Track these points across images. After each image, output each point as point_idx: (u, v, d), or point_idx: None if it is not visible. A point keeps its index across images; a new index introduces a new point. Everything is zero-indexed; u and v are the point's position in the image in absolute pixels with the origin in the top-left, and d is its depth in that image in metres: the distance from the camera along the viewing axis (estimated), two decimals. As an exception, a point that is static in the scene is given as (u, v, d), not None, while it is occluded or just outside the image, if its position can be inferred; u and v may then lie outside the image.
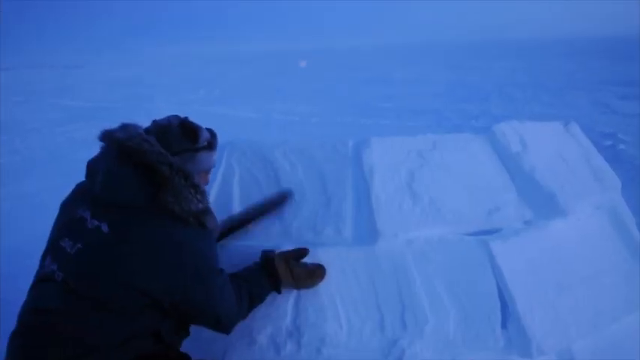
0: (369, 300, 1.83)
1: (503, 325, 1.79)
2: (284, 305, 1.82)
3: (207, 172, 1.68)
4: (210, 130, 1.67)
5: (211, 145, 1.64)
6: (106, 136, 1.51)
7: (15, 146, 6.69)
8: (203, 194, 1.50)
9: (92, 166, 1.54)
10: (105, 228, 1.39)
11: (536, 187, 2.06)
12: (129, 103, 11.04)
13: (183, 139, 1.53)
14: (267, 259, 1.75)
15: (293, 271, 1.78)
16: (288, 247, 1.90)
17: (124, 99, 11.39)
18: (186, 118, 1.61)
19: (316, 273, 1.83)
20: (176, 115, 1.61)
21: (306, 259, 1.85)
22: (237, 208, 2.08)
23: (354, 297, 1.84)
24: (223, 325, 1.60)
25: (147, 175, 1.41)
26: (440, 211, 1.95)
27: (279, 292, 1.76)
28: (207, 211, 1.51)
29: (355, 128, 9.07)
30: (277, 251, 1.80)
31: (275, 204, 2.00)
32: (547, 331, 1.77)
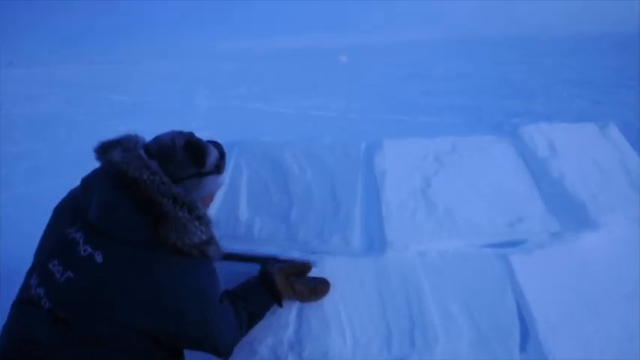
0: (375, 314, 1.71)
1: (522, 348, 1.64)
2: (286, 315, 1.73)
3: (212, 194, 1.57)
4: (218, 148, 1.54)
5: (219, 168, 1.51)
6: (103, 154, 1.40)
7: (60, 140, 6.86)
8: (208, 224, 1.38)
9: (86, 186, 1.43)
10: (99, 258, 1.29)
11: (565, 196, 1.88)
12: (171, 98, 11.22)
13: (189, 164, 1.40)
14: (266, 276, 1.65)
15: (294, 287, 1.68)
16: (293, 254, 1.80)
17: (167, 94, 11.60)
18: (191, 136, 1.46)
19: (318, 289, 1.72)
20: (180, 133, 1.47)
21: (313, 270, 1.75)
22: (244, 211, 1.99)
23: (360, 310, 1.72)
24: (222, 353, 1.51)
25: (146, 208, 1.30)
26: (456, 222, 1.81)
27: (280, 306, 1.67)
28: (210, 241, 1.40)
29: (393, 125, 8.91)
30: (277, 265, 1.69)
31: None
32: (571, 356, 1.61)
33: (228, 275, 1.73)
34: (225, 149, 2.12)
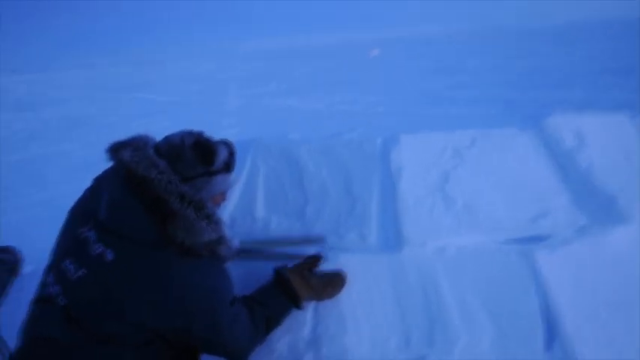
0: (393, 312, 1.67)
1: (547, 347, 1.57)
2: (303, 313, 1.70)
3: (223, 193, 1.56)
4: (228, 147, 1.52)
5: (229, 166, 1.49)
6: (114, 154, 1.41)
7: (92, 140, 7.02)
8: (217, 223, 1.37)
9: (98, 185, 1.47)
10: (109, 256, 1.31)
11: (593, 189, 1.80)
12: (202, 97, 11.30)
13: (198, 163, 1.40)
14: (281, 277, 1.62)
15: (310, 284, 1.64)
16: (309, 251, 1.78)
17: (197, 93, 11.68)
18: (200, 135, 1.46)
19: (335, 281, 1.68)
20: (190, 132, 1.46)
21: (328, 266, 1.72)
22: (260, 209, 1.98)
23: (377, 308, 1.68)
24: (236, 356, 1.50)
25: (155, 208, 1.30)
26: (476, 217, 1.75)
27: (299, 308, 1.62)
28: (221, 240, 1.39)
29: (423, 118, 8.75)
30: (290, 266, 1.67)
31: (303, 243, 1.83)
32: (598, 356, 1.53)
33: (241, 277, 1.73)
34: (242, 148, 2.13)
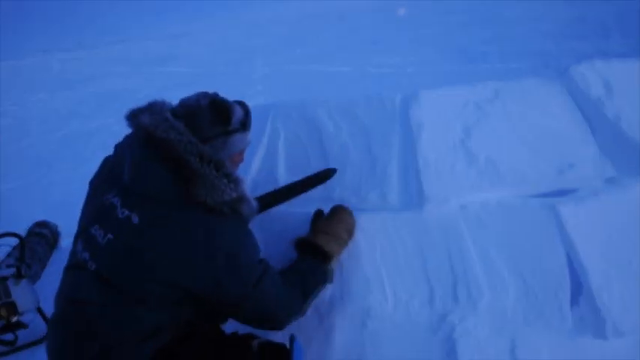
0: (416, 271, 1.67)
1: (574, 302, 1.55)
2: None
3: (241, 152, 1.57)
4: (243, 106, 1.53)
5: (245, 125, 1.50)
6: (133, 119, 1.43)
7: (125, 114, 7.13)
8: (237, 182, 1.38)
9: (119, 151, 1.50)
10: (135, 219, 1.34)
11: (622, 139, 1.73)
12: (229, 67, 11.31)
13: (215, 122, 1.42)
14: (297, 241, 1.66)
15: (319, 228, 1.66)
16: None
17: (224, 63, 11.69)
18: (216, 96, 1.48)
19: (339, 212, 1.71)
20: (205, 93, 1.48)
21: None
22: (282, 173, 1.98)
23: (401, 267, 1.69)
24: (270, 320, 1.49)
25: (175, 168, 1.32)
26: (499, 171, 1.71)
27: (328, 260, 1.62)
28: (242, 198, 1.39)
29: (453, 75, 8.55)
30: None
31: (318, 181, 1.85)
32: (627, 309, 1.52)
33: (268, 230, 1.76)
34: (262, 112, 2.12)
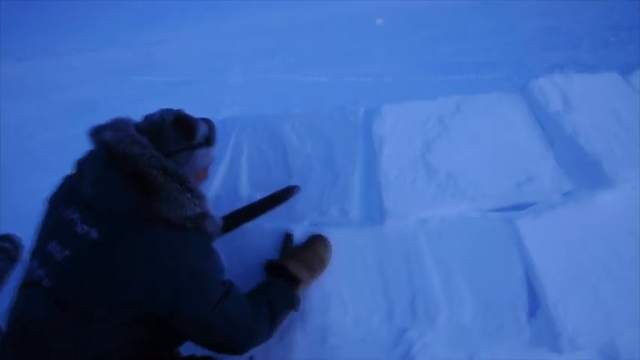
0: (376, 286, 1.67)
1: (531, 315, 1.56)
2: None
3: (205, 169, 1.55)
4: (207, 123, 1.52)
5: (209, 140, 1.49)
6: (95, 136, 1.40)
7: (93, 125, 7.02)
8: (201, 197, 1.36)
9: (81, 167, 1.46)
10: (94, 235, 1.30)
11: (579, 153, 1.74)
12: (205, 75, 11.27)
13: (179, 137, 1.40)
14: (268, 264, 1.64)
15: (294, 254, 1.65)
16: (291, 227, 1.77)
17: (201, 71, 11.65)
18: (180, 112, 1.46)
19: (315, 242, 1.69)
20: (169, 110, 1.47)
21: None
22: (245, 187, 1.97)
23: (361, 282, 1.69)
24: (231, 344, 1.43)
25: (138, 183, 1.29)
26: (459, 185, 1.71)
27: (297, 284, 1.60)
28: (206, 214, 1.37)
29: (429, 86, 8.64)
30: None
31: (281, 199, 1.82)
32: (584, 322, 1.52)
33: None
34: (226, 126, 2.11)
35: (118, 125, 1.41)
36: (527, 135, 1.83)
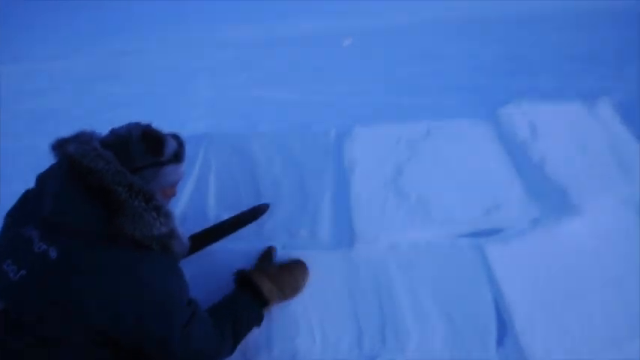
0: (345, 311, 1.64)
1: (499, 342, 1.55)
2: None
3: (173, 186, 1.49)
4: (176, 138, 1.47)
5: (178, 156, 1.44)
6: (58, 148, 1.34)
7: (57, 134, 6.83)
8: (167, 216, 1.30)
9: (40, 182, 1.38)
10: (53, 253, 1.22)
11: (546, 181, 1.77)
12: (170, 89, 11.10)
13: (146, 152, 1.34)
14: (239, 275, 1.59)
15: (269, 272, 1.59)
16: (260, 248, 1.73)
17: (166, 84, 11.44)
18: (148, 127, 1.41)
19: (293, 268, 1.65)
20: (137, 124, 1.41)
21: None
22: (212, 206, 1.92)
23: (330, 307, 1.65)
24: None
25: (101, 199, 1.23)
26: (429, 211, 1.71)
27: (264, 303, 1.56)
28: (172, 234, 1.31)
29: (394, 107, 8.74)
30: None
31: (251, 218, 1.79)
32: (552, 350, 1.53)
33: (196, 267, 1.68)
34: (194, 143, 2.06)
35: (82, 138, 1.35)
36: (495, 162, 1.85)
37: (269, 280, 1.58)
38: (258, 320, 1.54)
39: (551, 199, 1.75)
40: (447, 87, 10.00)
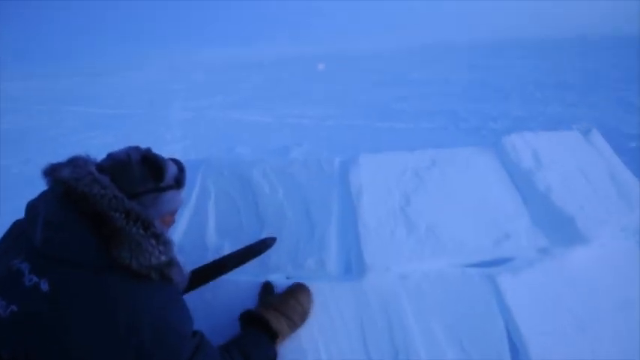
0: (355, 344, 1.58)
1: (514, 373, 1.53)
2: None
3: (172, 213, 1.43)
4: (177, 164, 1.42)
5: (179, 182, 1.38)
6: (51, 173, 1.26)
7: (30, 155, 6.64)
8: (167, 244, 1.23)
9: (32, 209, 1.28)
10: (44, 286, 1.13)
11: (553, 210, 1.78)
12: (148, 110, 11.02)
13: (146, 178, 1.28)
14: (244, 314, 1.52)
15: (272, 303, 1.53)
16: (262, 280, 1.68)
17: (144, 106, 11.39)
18: (148, 151, 1.35)
19: (295, 291, 1.59)
20: (136, 147, 1.35)
21: None
22: (212, 235, 1.85)
23: (339, 340, 1.59)
24: None
25: (97, 226, 1.16)
26: (439, 240, 1.69)
27: (273, 335, 1.48)
28: (171, 263, 1.24)
29: (369, 131, 8.88)
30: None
31: (257, 253, 1.72)
32: (565, 381, 1.50)
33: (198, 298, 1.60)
34: (191, 168, 1.99)
35: (77, 162, 1.27)
36: (501, 190, 1.85)
37: (276, 313, 1.52)
38: (271, 357, 1.47)
39: (558, 228, 1.75)
40: (421, 111, 10.20)
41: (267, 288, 1.64)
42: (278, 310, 1.53)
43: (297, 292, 1.60)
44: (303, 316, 1.58)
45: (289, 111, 10.88)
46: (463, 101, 11.13)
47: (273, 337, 1.48)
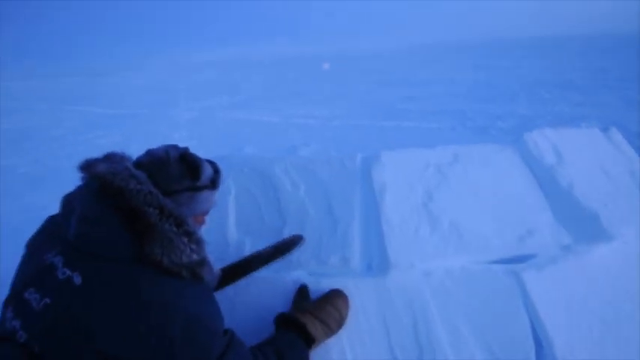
0: (380, 340, 1.59)
1: (540, 370, 1.53)
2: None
3: (205, 213, 1.44)
4: (213, 165, 1.43)
5: (214, 183, 1.39)
6: (87, 168, 1.27)
7: (37, 155, 6.64)
8: (199, 243, 1.24)
9: (67, 203, 1.30)
10: (77, 280, 1.14)
11: (576, 207, 1.77)
12: (151, 110, 11.01)
13: (183, 176, 1.29)
14: (279, 317, 1.51)
15: (306, 308, 1.53)
16: (287, 277, 1.67)
17: (147, 105, 11.36)
18: (186, 150, 1.36)
19: (332, 297, 1.58)
20: (175, 146, 1.36)
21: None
22: (233, 232, 1.85)
23: (363, 337, 1.59)
24: None
25: (131, 221, 1.16)
26: (462, 237, 1.69)
27: (309, 338, 1.47)
28: (203, 262, 1.25)
29: (376, 131, 8.86)
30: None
31: (284, 251, 1.72)
32: (591, 377, 1.50)
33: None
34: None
35: (113, 158, 1.30)
36: (523, 186, 1.84)
37: (313, 318, 1.51)
38: (305, 358, 1.46)
39: (582, 225, 1.75)
40: (427, 111, 10.18)
41: (302, 292, 1.63)
42: (314, 314, 1.52)
43: (335, 298, 1.59)
44: (340, 322, 1.57)
45: (295, 111, 10.87)
46: (469, 101, 11.11)
47: (308, 341, 1.47)
